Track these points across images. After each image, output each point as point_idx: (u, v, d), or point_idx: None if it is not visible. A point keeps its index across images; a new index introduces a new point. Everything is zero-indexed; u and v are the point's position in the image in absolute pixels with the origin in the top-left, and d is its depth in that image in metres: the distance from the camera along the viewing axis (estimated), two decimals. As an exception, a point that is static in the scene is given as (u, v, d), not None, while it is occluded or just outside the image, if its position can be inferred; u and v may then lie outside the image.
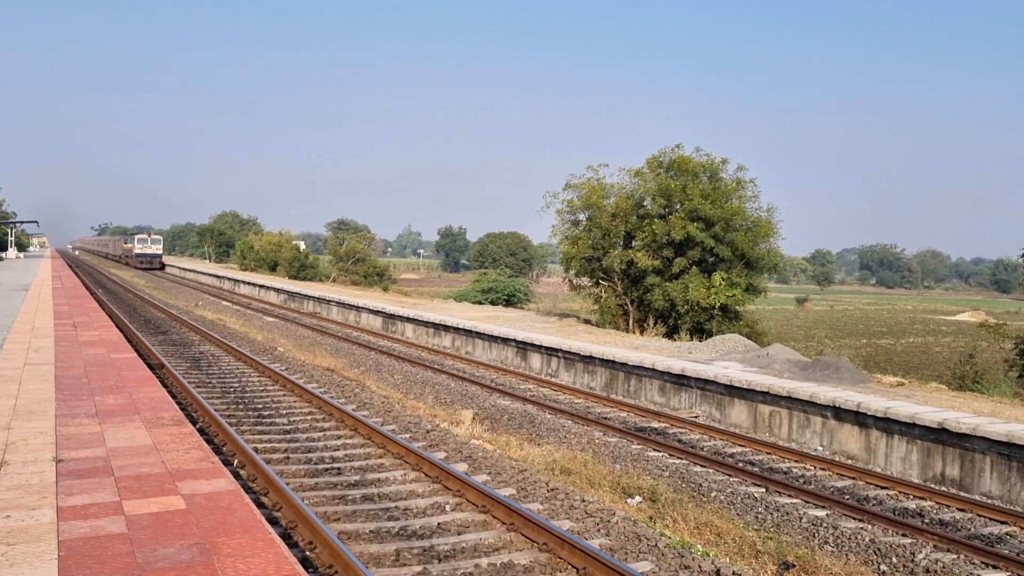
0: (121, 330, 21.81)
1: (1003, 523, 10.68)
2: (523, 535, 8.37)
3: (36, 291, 32.88)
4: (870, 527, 10.14)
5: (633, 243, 31.24)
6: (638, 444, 14.22)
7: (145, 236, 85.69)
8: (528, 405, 17.38)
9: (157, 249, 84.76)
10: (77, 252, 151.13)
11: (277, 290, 48.98)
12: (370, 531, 8.49)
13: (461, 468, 10.81)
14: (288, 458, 11.35)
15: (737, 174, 30.18)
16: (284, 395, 16.14)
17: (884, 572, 8.70)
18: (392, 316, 32.73)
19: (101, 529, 6.08)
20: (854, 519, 10.45)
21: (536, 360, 23.15)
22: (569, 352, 21.65)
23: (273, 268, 70.30)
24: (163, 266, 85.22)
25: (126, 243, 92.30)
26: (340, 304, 38.66)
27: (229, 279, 61.98)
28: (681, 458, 13.34)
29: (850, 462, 13.68)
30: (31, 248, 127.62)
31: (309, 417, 14.15)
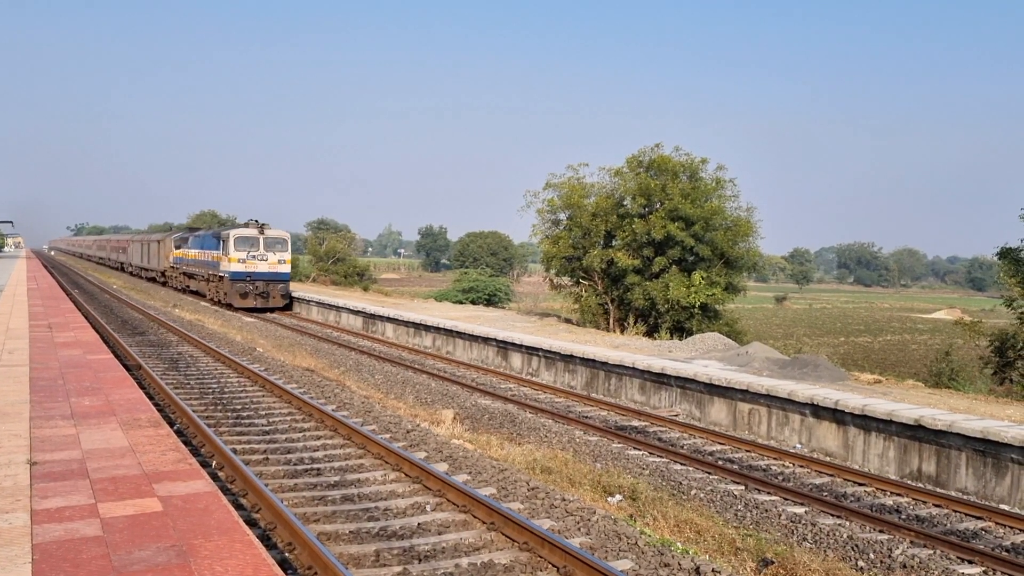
0: (97, 331, 21.59)
1: (979, 518, 10.80)
2: (504, 534, 8.36)
3: (11, 292, 32.47)
4: (848, 523, 10.21)
5: (613, 242, 31.36)
6: (618, 443, 14.25)
7: (254, 233, 38.03)
8: (509, 404, 17.37)
9: (282, 264, 38.65)
10: (53, 253, 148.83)
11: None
12: (350, 532, 8.45)
13: (441, 468, 10.78)
14: (267, 459, 11.28)
15: (717, 174, 30.42)
16: (263, 396, 16.04)
17: (862, 568, 8.77)
18: (372, 316, 32.61)
19: (76, 532, 6.02)
20: (832, 516, 10.53)
21: (517, 359, 23.15)
22: (550, 351, 21.66)
23: (253, 268, 69.65)
24: (291, 301, 40.33)
25: (197, 248, 43.79)
26: (320, 304, 38.45)
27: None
28: (661, 456, 13.38)
29: (828, 459, 13.78)
30: (6, 249, 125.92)
31: (288, 418, 14.06)
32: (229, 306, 37.50)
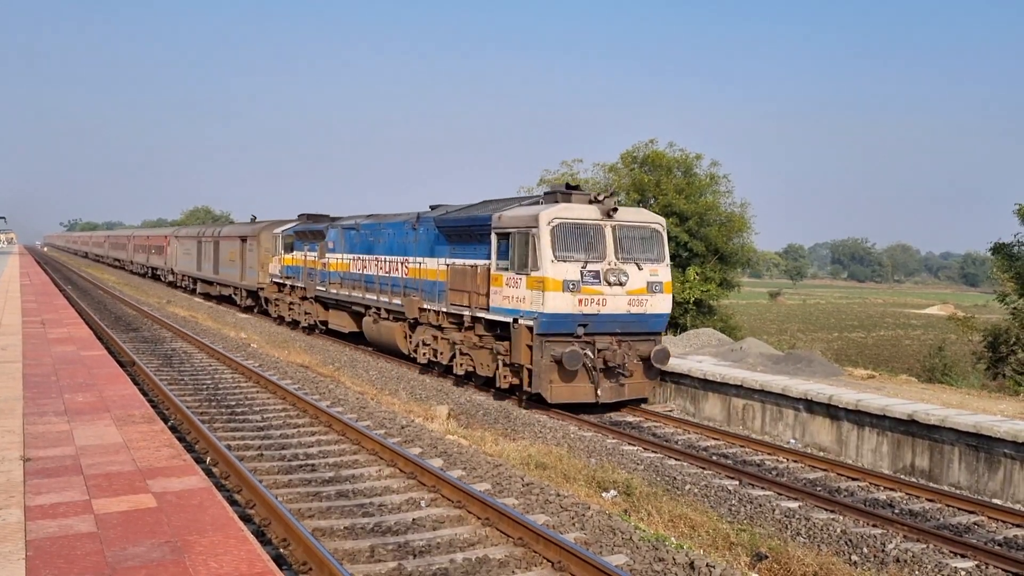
0: (91, 327, 21.53)
1: (971, 513, 10.84)
2: (498, 530, 8.38)
3: (3, 288, 32.35)
4: (841, 518, 10.25)
5: (608, 238, 31.33)
6: (613, 438, 14.26)
7: (593, 216, 15.33)
8: (503, 401, 17.36)
9: (657, 294, 15.65)
10: (46, 249, 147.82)
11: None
12: (344, 527, 8.46)
13: (436, 464, 10.79)
14: (262, 455, 11.28)
15: (711, 169, 30.46)
16: (258, 392, 16.02)
17: (855, 562, 8.81)
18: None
19: (70, 528, 6.00)
20: (826, 510, 10.56)
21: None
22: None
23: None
24: (664, 360, 16.08)
25: (360, 251, 23.42)
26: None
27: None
28: (655, 452, 13.40)
29: (822, 454, 13.82)
30: None
31: (283, 414, 14.06)
32: (528, 398, 16.23)
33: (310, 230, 27.92)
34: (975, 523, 10.48)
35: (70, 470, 7.49)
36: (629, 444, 13.89)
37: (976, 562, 8.91)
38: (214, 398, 15.21)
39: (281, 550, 7.64)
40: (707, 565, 7.62)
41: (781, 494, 11.20)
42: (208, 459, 10.65)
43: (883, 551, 9.05)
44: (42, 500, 6.61)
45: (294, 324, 28.37)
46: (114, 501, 6.64)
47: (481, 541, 8.21)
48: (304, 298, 27.05)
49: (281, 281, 29.33)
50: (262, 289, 31.68)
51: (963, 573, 8.57)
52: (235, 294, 35.62)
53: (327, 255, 25.61)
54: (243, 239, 33.67)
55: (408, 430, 13.02)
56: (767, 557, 8.40)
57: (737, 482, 11.71)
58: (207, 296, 40.45)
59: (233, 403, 14.83)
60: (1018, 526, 10.35)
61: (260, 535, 7.94)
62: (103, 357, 14.95)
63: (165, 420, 12.00)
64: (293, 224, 30.31)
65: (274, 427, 13.05)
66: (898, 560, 8.81)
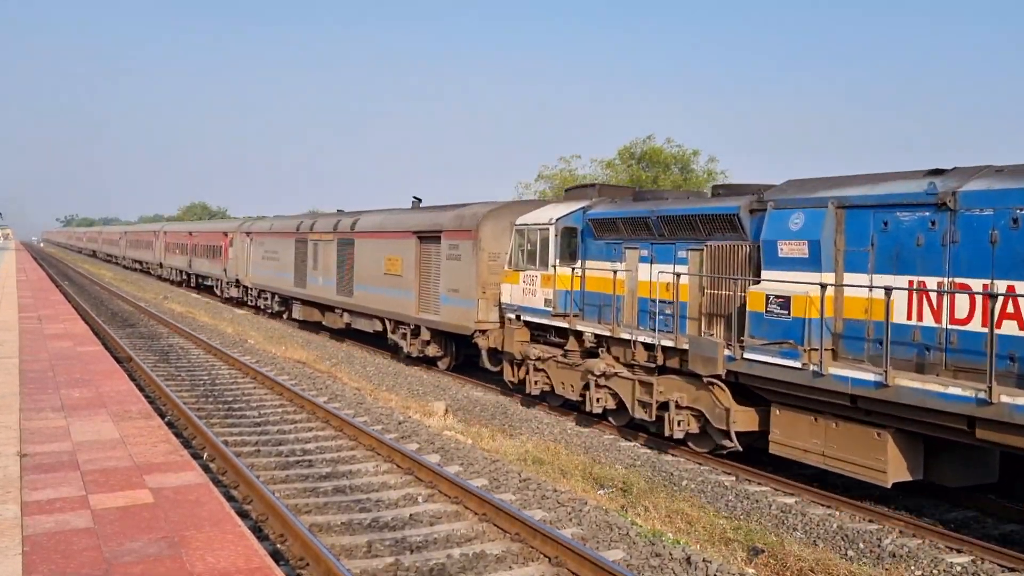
0: (88, 323, 21.52)
1: (967, 509, 10.85)
2: (495, 525, 8.39)
3: (0, 284, 32.30)
4: (838, 514, 10.26)
5: (605, 234, 31.37)
6: (610, 434, 14.26)
7: None
8: (501, 396, 17.37)
9: None
10: (43, 245, 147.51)
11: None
12: (342, 523, 8.47)
13: (433, 459, 10.80)
14: (259, 451, 11.28)
15: (708, 166, 30.52)
16: (255, 388, 16.02)
17: (851, 557, 8.82)
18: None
19: (67, 524, 6.01)
20: (822, 506, 10.58)
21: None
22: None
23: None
24: None
25: None
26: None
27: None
28: (652, 447, 13.41)
29: (819, 450, 13.76)
30: None
31: (280, 409, 14.06)
32: None
33: (664, 216, 12.40)
34: (971, 518, 10.49)
35: (67, 466, 7.48)
36: (626, 440, 13.90)
37: (972, 557, 8.93)
38: (211, 394, 15.21)
39: (278, 546, 7.65)
40: (704, 560, 7.64)
41: (778, 490, 11.21)
42: (205, 455, 10.65)
43: (879, 546, 9.07)
44: (39, 496, 6.61)
45: (601, 417, 13.87)
46: (111, 497, 6.64)
47: (478, 536, 8.22)
48: (663, 369, 12.42)
49: (549, 321, 14.55)
50: (483, 333, 16.72)
51: (959, 568, 8.59)
52: (395, 332, 20.34)
53: (781, 270, 10.43)
54: (423, 236, 19.19)
55: (405, 426, 13.03)
56: (763, 551, 8.42)
57: (734, 478, 11.72)
58: (314, 327, 26.17)
59: (230, 399, 14.83)
60: (1014, 521, 10.36)
61: (257, 531, 7.94)
62: (100, 353, 14.94)
63: (162, 416, 12.00)
64: (579, 206, 14.46)
65: (271, 423, 13.05)
66: (894, 555, 8.83)
